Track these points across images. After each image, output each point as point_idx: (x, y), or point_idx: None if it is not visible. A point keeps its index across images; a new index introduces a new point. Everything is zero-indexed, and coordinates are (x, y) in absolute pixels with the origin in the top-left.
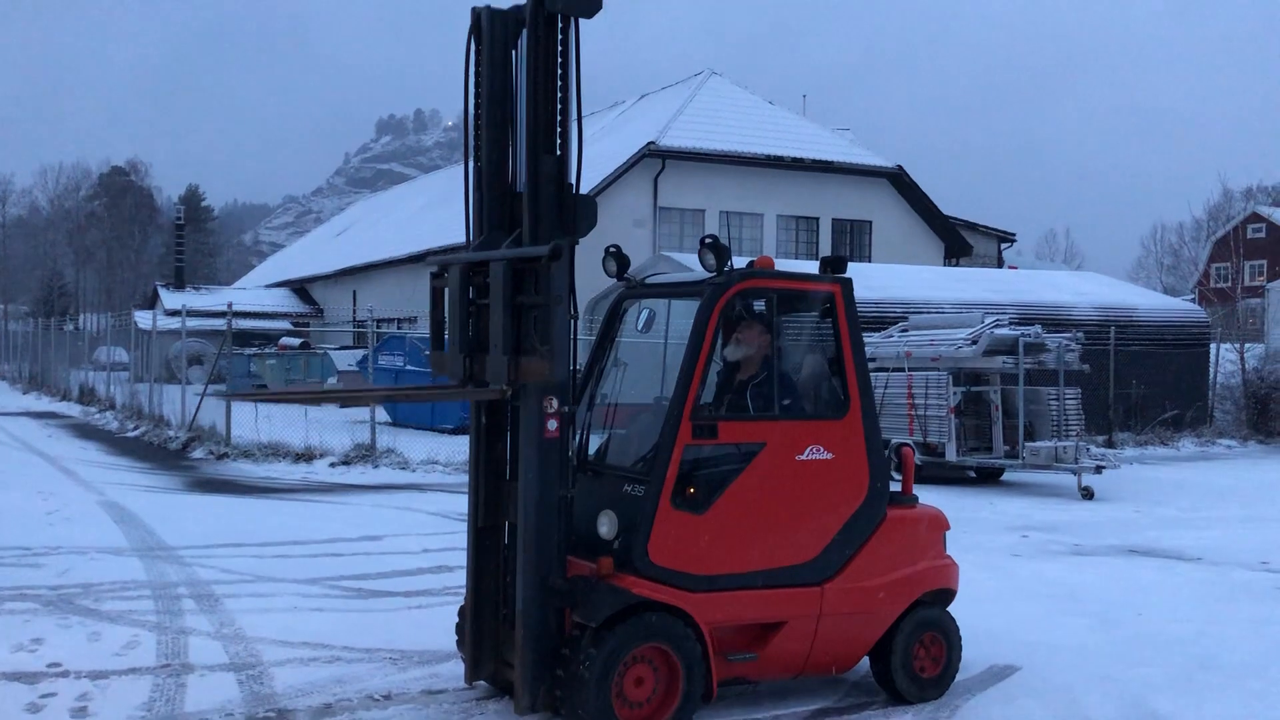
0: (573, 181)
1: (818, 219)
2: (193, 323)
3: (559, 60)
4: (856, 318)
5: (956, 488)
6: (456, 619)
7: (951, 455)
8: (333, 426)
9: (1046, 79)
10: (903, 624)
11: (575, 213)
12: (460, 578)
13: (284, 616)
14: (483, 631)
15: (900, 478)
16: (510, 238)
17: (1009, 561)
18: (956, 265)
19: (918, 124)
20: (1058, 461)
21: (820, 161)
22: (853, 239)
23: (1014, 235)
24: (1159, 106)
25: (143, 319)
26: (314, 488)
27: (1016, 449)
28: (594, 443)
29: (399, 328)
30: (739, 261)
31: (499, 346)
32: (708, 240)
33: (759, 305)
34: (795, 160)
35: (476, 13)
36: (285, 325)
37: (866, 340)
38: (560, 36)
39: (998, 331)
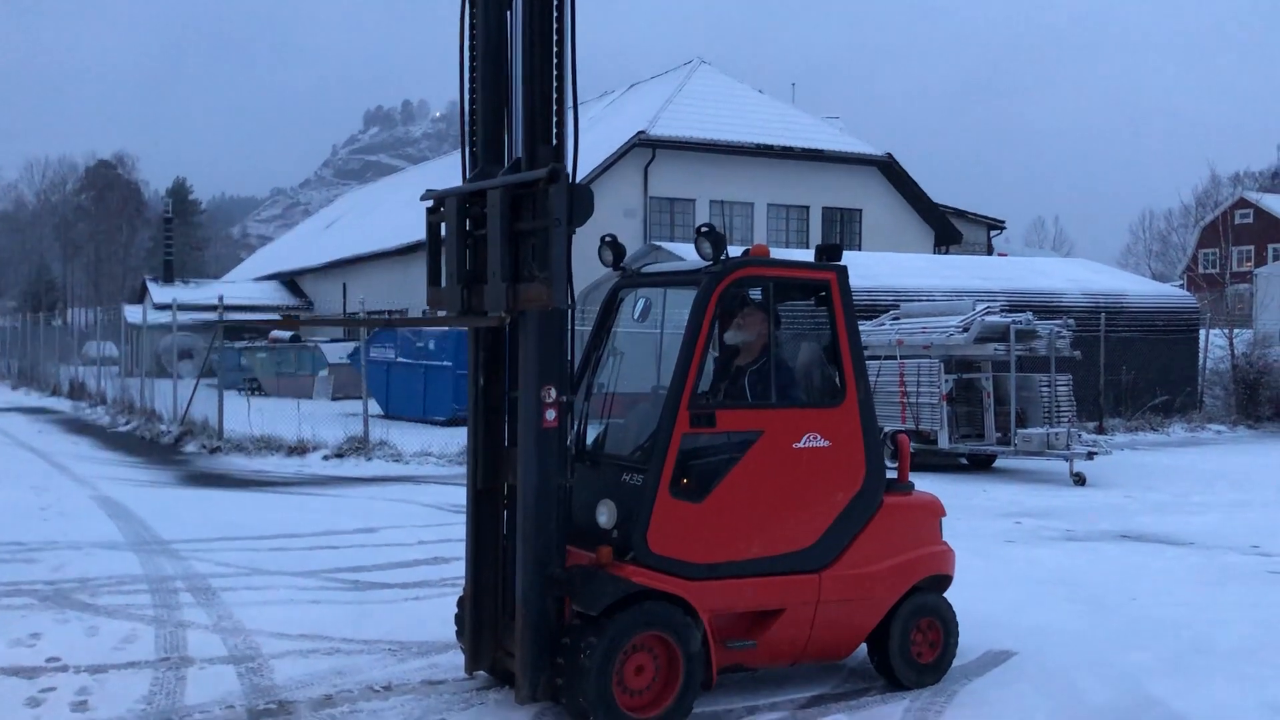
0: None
1: (808, 208)
2: (182, 316)
3: (554, 23)
4: (852, 306)
5: (949, 475)
6: (456, 609)
7: (944, 442)
8: (325, 420)
9: (1035, 67)
10: (900, 610)
11: (571, 202)
12: (457, 569)
13: (282, 609)
14: (482, 621)
15: (896, 465)
16: (507, 166)
17: (1003, 548)
18: (946, 253)
19: (907, 112)
20: (1049, 448)
21: (810, 150)
22: (843, 227)
23: (1003, 223)
24: (1147, 93)
25: (132, 313)
26: (308, 481)
27: (1008, 436)
28: (592, 432)
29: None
30: (733, 251)
31: (497, 274)
32: (704, 229)
33: (755, 294)
34: (785, 149)
35: None
36: (276, 318)
37: (859, 328)
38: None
39: (989, 319)
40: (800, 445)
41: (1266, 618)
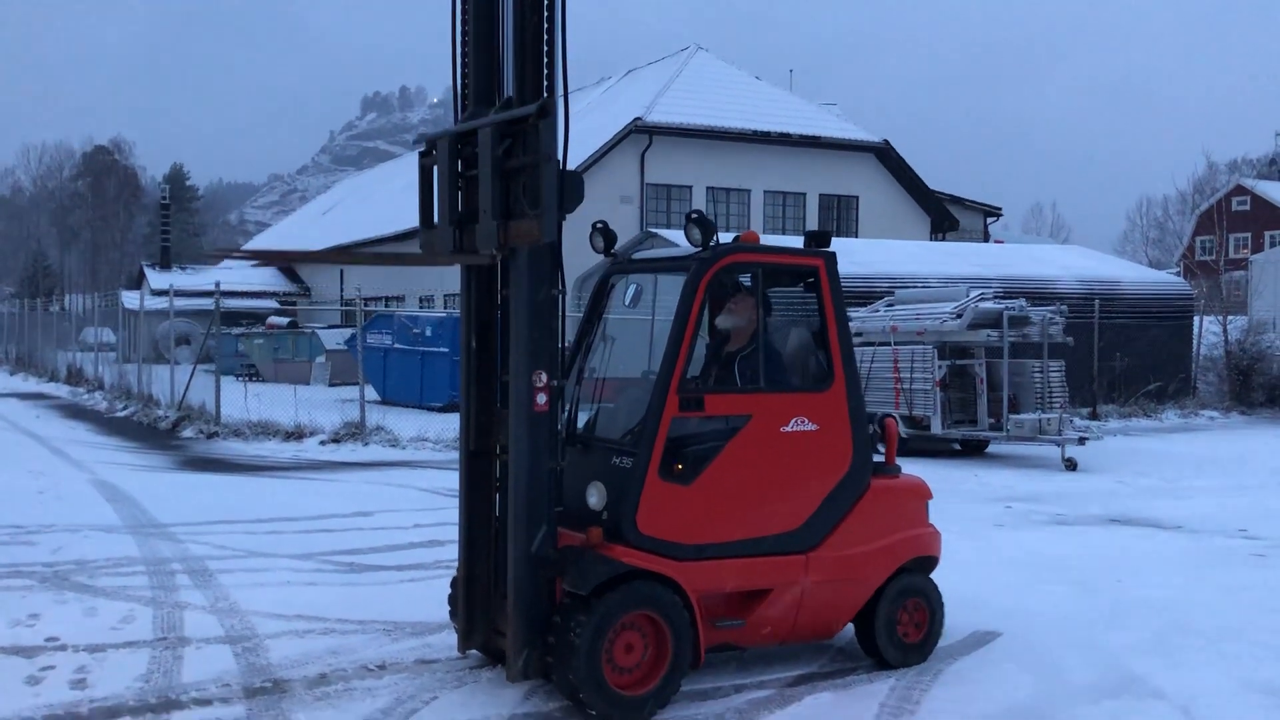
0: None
1: (804, 194)
2: (180, 303)
3: None
4: (841, 292)
5: (942, 460)
6: (449, 590)
7: (937, 428)
8: (322, 405)
9: (1033, 53)
10: (886, 591)
11: (561, 189)
12: (452, 551)
13: (278, 590)
14: (475, 601)
15: (884, 449)
16: (498, 104)
17: (992, 531)
18: (943, 240)
19: (905, 99)
20: (1041, 433)
21: (807, 136)
22: (839, 214)
23: (1000, 210)
24: (1145, 80)
25: (129, 299)
26: (304, 465)
27: (1001, 421)
28: (583, 417)
29: (387, 306)
30: (726, 237)
31: (488, 212)
32: (693, 215)
33: (745, 280)
34: (782, 135)
35: None
36: (272, 305)
37: (852, 315)
38: None
39: (982, 305)
40: (788, 429)
41: (1250, 600)
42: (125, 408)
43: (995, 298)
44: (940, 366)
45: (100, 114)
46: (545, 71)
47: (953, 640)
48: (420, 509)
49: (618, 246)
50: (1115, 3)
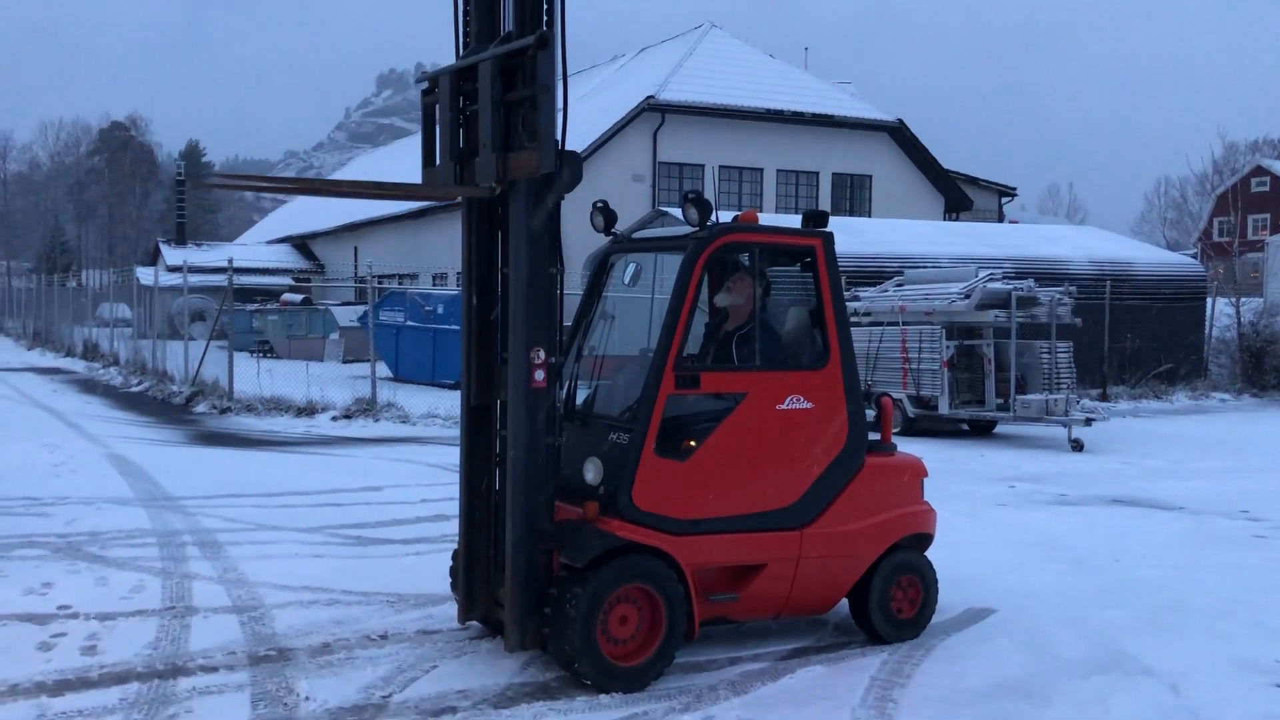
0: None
1: (818, 173)
2: (194, 279)
3: None
4: (837, 271)
5: (949, 440)
6: (450, 563)
7: (944, 408)
8: (334, 381)
9: (1051, 32)
10: (880, 567)
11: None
12: (457, 526)
13: (285, 563)
14: (475, 574)
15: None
16: (498, 39)
17: (994, 510)
18: (956, 220)
19: (920, 78)
20: (1048, 414)
21: (821, 115)
22: (853, 193)
23: (1014, 190)
24: (1166, 60)
25: (145, 275)
26: (315, 441)
27: (1009, 402)
28: (582, 394)
29: (400, 283)
30: (726, 217)
31: (488, 145)
32: (691, 195)
33: (743, 259)
34: (795, 114)
35: None
36: (287, 281)
37: (862, 294)
38: None
39: (991, 285)
40: (784, 407)
41: (1245, 580)
42: (140, 383)
43: (1005, 278)
44: (948, 347)
45: (117, 90)
46: (545, 5)
47: (947, 616)
48: (428, 484)
49: (629, 225)
50: None
